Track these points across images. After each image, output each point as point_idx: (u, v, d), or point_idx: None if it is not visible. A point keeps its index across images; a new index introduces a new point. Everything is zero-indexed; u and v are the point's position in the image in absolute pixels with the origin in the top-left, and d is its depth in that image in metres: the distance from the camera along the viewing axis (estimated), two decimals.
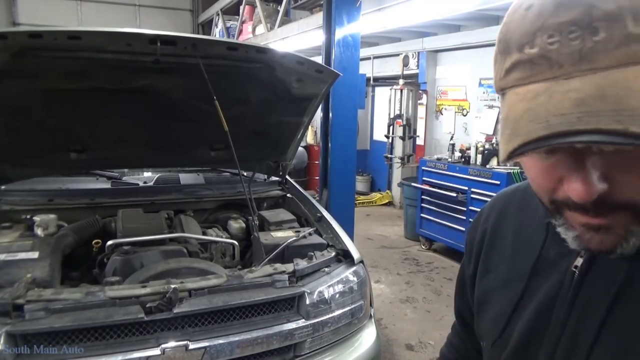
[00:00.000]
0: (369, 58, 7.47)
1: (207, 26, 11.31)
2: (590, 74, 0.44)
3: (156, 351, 1.58)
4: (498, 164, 4.63)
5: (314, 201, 2.81)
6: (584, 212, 0.51)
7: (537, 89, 0.47)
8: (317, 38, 5.27)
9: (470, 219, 4.71)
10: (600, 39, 0.43)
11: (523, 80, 0.49)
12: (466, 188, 4.76)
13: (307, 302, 1.88)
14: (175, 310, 1.64)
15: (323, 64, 3.34)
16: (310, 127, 5.51)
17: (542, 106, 0.45)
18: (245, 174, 2.75)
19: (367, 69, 7.37)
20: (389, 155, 7.08)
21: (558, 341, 0.61)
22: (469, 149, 5.01)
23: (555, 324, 0.62)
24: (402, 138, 6.71)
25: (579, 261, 0.61)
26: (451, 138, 5.50)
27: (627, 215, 0.50)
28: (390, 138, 6.91)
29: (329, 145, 3.96)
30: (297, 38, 6.39)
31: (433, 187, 5.18)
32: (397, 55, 6.86)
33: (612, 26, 0.43)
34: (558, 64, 0.46)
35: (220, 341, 1.68)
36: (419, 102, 6.79)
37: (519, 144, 0.47)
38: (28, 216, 2.24)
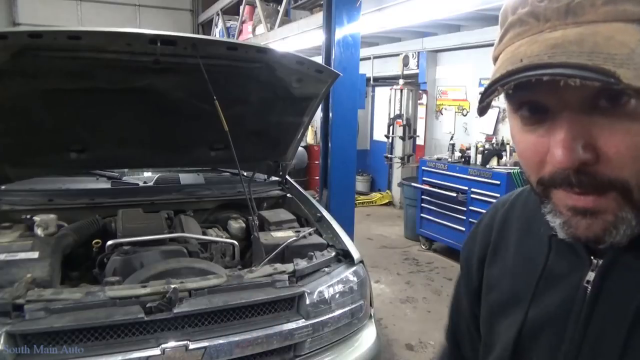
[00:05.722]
0: (369, 58, 7.46)
1: (207, 26, 11.31)
2: (573, 26, 0.45)
3: (156, 351, 1.58)
4: (498, 163, 4.64)
5: (314, 201, 2.81)
6: (569, 188, 0.49)
7: (522, 42, 0.48)
8: (317, 38, 5.27)
9: (470, 219, 4.71)
10: None
11: (513, 39, 0.49)
12: (466, 188, 4.75)
13: (307, 302, 1.88)
14: (175, 310, 1.64)
15: (323, 64, 3.34)
16: (310, 127, 5.51)
17: (521, 52, 0.46)
18: (245, 174, 2.75)
19: (367, 69, 7.36)
20: (389, 155, 7.08)
21: None
22: (469, 149, 5.01)
23: (569, 347, 0.56)
24: (402, 138, 6.71)
25: (590, 275, 0.55)
26: (451, 138, 5.50)
27: (615, 198, 0.47)
28: (390, 138, 6.90)
29: (329, 145, 3.95)
30: (297, 38, 6.40)
31: (433, 187, 5.18)
32: (397, 55, 6.86)
33: None
34: (545, 19, 0.46)
35: (220, 341, 1.68)
36: (419, 102, 6.79)
37: (491, 80, 0.47)
38: (28, 216, 2.24)
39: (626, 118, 0.45)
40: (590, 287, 0.55)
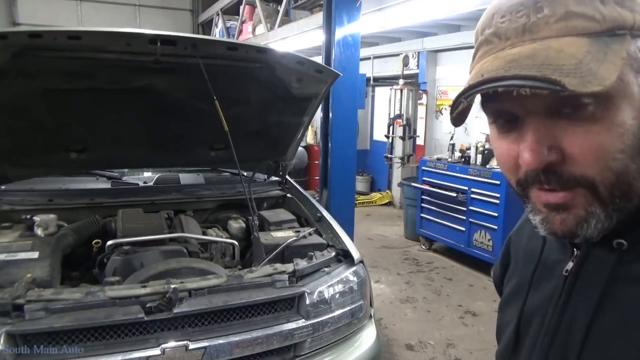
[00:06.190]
0: (369, 58, 7.46)
1: (207, 26, 11.31)
2: (530, 43, 0.50)
3: (156, 351, 1.58)
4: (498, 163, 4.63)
5: (314, 201, 2.81)
6: (540, 185, 0.53)
7: (487, 59, 0.54)
8: (317, 38, 5.27)
9: (470, 219, 4.71)
10: (542, 15, 0.50)
11: (482, 57, 0.55)
12: (466, 188, 4.75)
13: (307, 302, 1.88)
14: (175, 310, 1.64)
15: (323, 64, 3.34)
16: (310, 127, 5.51)
17: (485, 68, 0.52)
18: (245, 174, 2.75)
19: (367, 69, 7.36)
20: (389, 155, 7.08)
21: (549, 348, 0.60)
22: (469, 149, 5.00)
23: (547, 332, 0.61)
24: (402, 138, 6.71)
25: (570, 265, 0.61)
26: (451, 138, 5.49)
27: (584, 195, 0.52)
28: (390, 138, 6.91)
29: (329, 145, 3.96)
30: (297, 38, 6.39)
31: (433, 187, 5.18)
32: (397, 55, 6.86)
33: (555, 4, 0.49)
34: (506, 38, 0.52)
35: (220, 341, 1.68)
36: (419, 102, 6.79)
37: (458, 94, 0.54)
38: (28, 216, 2.24)
39: (585, 120, 0.49)
40: (568, 276, 0.61)
